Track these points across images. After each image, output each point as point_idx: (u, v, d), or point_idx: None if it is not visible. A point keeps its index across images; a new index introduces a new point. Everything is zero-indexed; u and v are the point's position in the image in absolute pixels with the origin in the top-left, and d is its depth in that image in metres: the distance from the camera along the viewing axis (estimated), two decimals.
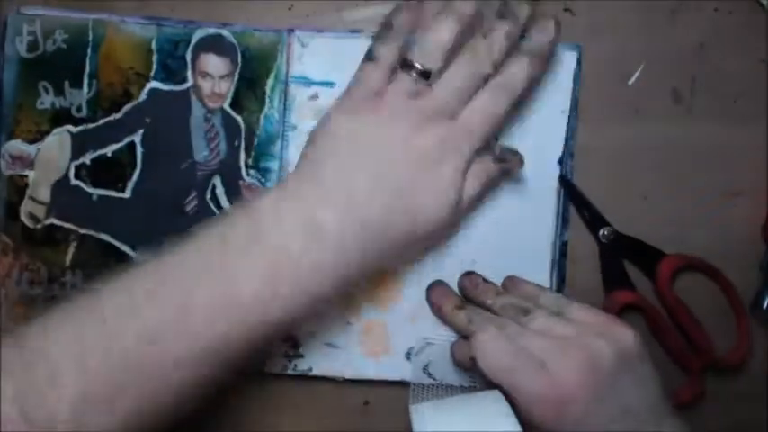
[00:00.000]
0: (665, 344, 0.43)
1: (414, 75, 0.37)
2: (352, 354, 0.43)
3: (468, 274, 0.42)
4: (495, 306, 0.40)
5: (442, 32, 0.37)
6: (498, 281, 0.43)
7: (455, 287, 0.43)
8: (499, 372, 0.36)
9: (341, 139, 0.37)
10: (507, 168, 0.40)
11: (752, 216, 0.44)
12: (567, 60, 0.43)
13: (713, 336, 0.43)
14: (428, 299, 0.43)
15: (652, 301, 0.43)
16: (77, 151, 0.43)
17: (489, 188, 0.41)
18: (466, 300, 0.42)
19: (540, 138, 0.43)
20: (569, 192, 0.43)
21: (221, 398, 0.43)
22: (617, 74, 0.44)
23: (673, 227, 0.43)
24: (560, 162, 0.43)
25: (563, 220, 0.43)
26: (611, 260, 0.43)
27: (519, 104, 0.42)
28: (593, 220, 0.43)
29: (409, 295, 0.43)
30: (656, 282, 0.43)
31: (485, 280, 0.42)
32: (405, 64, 0.37)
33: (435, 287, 0.42)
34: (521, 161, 0.40)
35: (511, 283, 0.42)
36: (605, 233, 0.43)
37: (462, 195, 0.38)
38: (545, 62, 0.40)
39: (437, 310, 0.42)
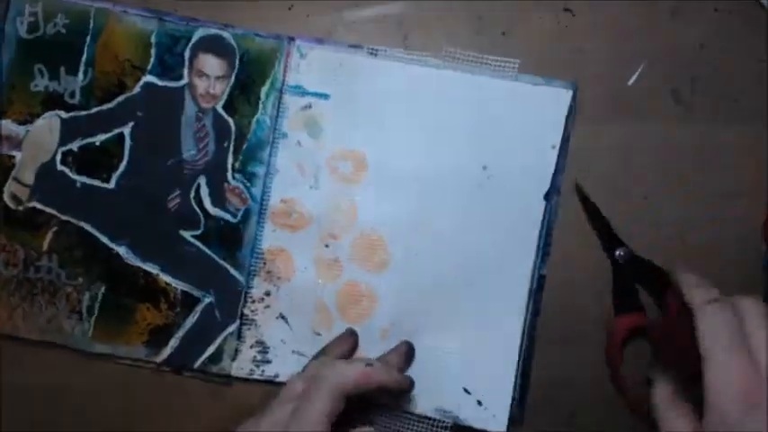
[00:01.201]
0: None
1: None
2: None
3: None
4: None
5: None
6: (473, 308, 0.43)
7: (428, 305, 0.43)
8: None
9: None
10: None
11: (752, 216, 0.44)
12: (562, 96, 0.43)
13: None
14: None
15: (659, 327, 0.42)
16: (66, 137, 0.43)
17: None
18: None
19: (529, 171, 0.43)
20: (588, 209, 0.43)
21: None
22: (617, 74, 0.44)
23: (673, 227, 0.43)
24: (546, 197, 0.43)
25: (543, 254, 0.43)
26: (624, 281, 0.43)
27: (509, 137, 0.43)
28: (610, 239, 0.43)
29: (382, 313, 0.43)
30: (664, 309, 0.41)
31: None
32: None
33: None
34: None
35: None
36: (621, 254, 0.43)
37: None
38: None
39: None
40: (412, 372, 0.43)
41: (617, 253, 0.43)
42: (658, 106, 0.44)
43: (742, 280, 0.43)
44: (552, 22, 0.44)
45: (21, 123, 0.43)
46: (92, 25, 0.43)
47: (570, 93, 0.43)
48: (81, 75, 0.43)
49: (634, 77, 0.44)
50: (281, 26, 0.43)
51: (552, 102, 0.43)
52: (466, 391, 0.43)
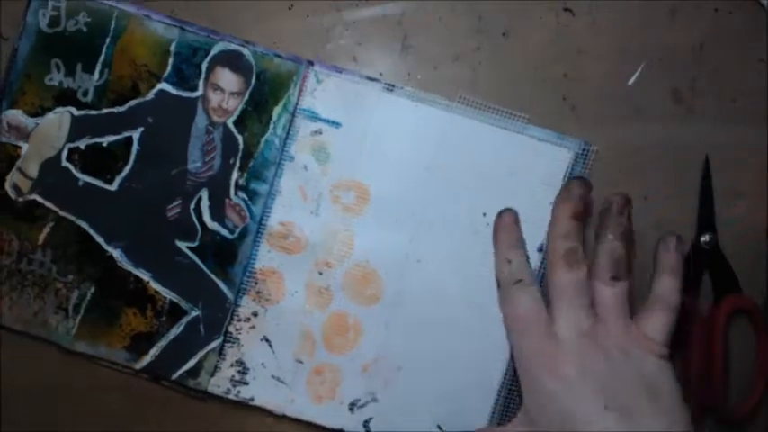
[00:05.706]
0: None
1: None
2: (298, 393, 0.43)
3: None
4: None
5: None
6: (457, 351, 0.43)
7: (413, 343, 0.43)
8: None
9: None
10: None
11: (752, 216, 0.44)
12: (564, 155, 0.43)
13: (736, 386, 0.43)
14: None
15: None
16: (75, 134, 0.43)
17: None
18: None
19: (526, 223, 0.43)
20: (704, 183, 0.43)
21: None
22: (617, 74, 0.44)
23: (673, 227, 0.43)
24: (540, 250, 0.43)
25: None
26: (720, 263, 0.43)
27: (510, 187, 0.43)
28: (706, 221, 0.43)
29: (367, 344, 0.43)
30: (714, 311, 0.43)
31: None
32: None
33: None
34: None
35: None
36: (706, 240, 0.43)
37: None
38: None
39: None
40: (388, 407, 0.43)
41: (702, 239, 0.43)
42: (658, 106, 0.44)
43: (742, 280, 0.43)
44: (552, 22, 0.44)
45: (31, 115, 0.43)
46: (113, 26, 0.43)
47: (573, 152, 0.43)
48: (97, 74, 0.43)
49: (634, 77, 0.44)
50: (280, 26, 0.43)
51: (557, 159, 0.43)
52: (440, 428, 0.43)
